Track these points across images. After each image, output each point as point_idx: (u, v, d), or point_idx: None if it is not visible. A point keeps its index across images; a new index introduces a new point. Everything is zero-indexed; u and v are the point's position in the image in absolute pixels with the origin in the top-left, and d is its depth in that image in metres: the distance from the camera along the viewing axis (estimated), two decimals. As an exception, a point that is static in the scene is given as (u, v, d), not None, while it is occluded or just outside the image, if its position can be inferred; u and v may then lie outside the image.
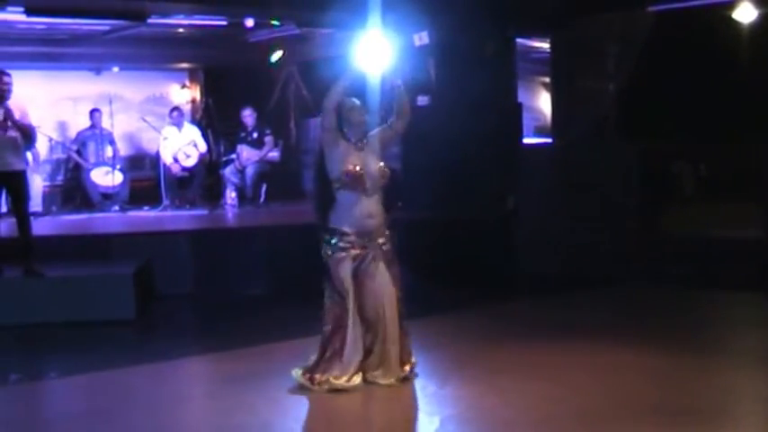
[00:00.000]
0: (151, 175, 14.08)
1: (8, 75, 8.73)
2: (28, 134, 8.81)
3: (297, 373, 6.05)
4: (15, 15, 10.88)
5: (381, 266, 6.03)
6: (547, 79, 13.52)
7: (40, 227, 10.16)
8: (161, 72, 15.16)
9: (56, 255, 9.42)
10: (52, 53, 13.40)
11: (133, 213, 12.84)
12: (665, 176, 11.84)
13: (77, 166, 13.40)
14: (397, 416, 5.77)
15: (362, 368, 6.01)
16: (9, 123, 8.58)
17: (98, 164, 13.27)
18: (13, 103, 8.68)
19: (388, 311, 6.01)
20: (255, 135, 13.63)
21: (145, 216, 12.71)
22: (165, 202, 13.18)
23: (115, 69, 14.49)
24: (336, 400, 5.88)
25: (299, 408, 5.82)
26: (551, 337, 7.42)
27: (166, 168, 13.29)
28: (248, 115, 13.65)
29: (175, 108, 14.03)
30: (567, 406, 5.68)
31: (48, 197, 13.11)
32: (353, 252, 5.97)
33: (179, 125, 13.69)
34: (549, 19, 11.49)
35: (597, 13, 11.17)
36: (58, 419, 5.94)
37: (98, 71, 14.46)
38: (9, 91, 8.64)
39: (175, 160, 13.33)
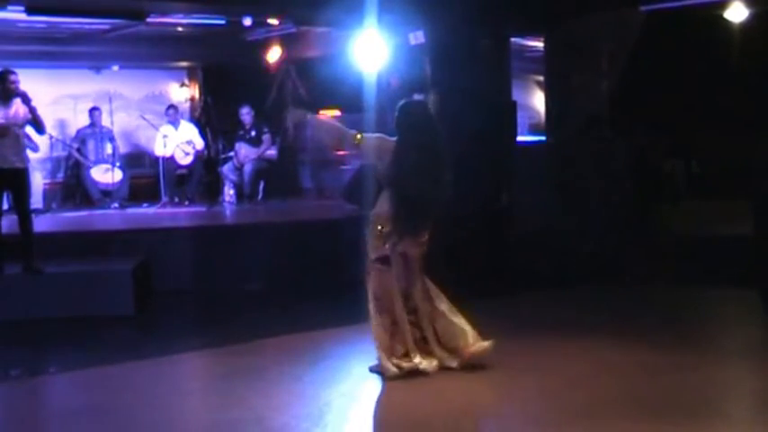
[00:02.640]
0: (150, 172, 14.18)
1: (15, 73, 8.87)
2: (40, 121, 8.97)
3: None
4: (16, 14, 10.93)
5: None
6: (541, 77, 13.57)
7: (41, 224, 10.22)
8: (160, 70, 15.25)
9: (56, 251, 9.52)
10: (53, 52, 13.46)
11: (132, 210, 12.94)
12: (658, 174, 11.93)
13: (77, 164, 13.49)
14: (392, 411, 5.85)
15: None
16: (20, 115, 8.74)
17: (98, 161, 13.37)
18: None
19: None
20: (254, 133, 13.71)
21: (144, 213, 12.80)
22: (164, 199, 13.27)
23: (115, 68, 14.56)
24: (332, 395, 5.97)
25: (295, 403, 5.90)
26: (545, 334, 7.50)
27: (166, 165, 13.39)
28: (246, 113, 13.73)
29: (171, 106, 14.13)
30: (561, 401, 5.77)
31: (48, 194, 13.19)
32: None
33: (175, 123, 13.79)
34: (543, 18, 11.56)
35: (591, 12, 11.25)
36: (57, 414, 6.04)
37: (98, 69, 14.54)
38: (17, 89, 8.78)
39: (172, 158, 13.44)
